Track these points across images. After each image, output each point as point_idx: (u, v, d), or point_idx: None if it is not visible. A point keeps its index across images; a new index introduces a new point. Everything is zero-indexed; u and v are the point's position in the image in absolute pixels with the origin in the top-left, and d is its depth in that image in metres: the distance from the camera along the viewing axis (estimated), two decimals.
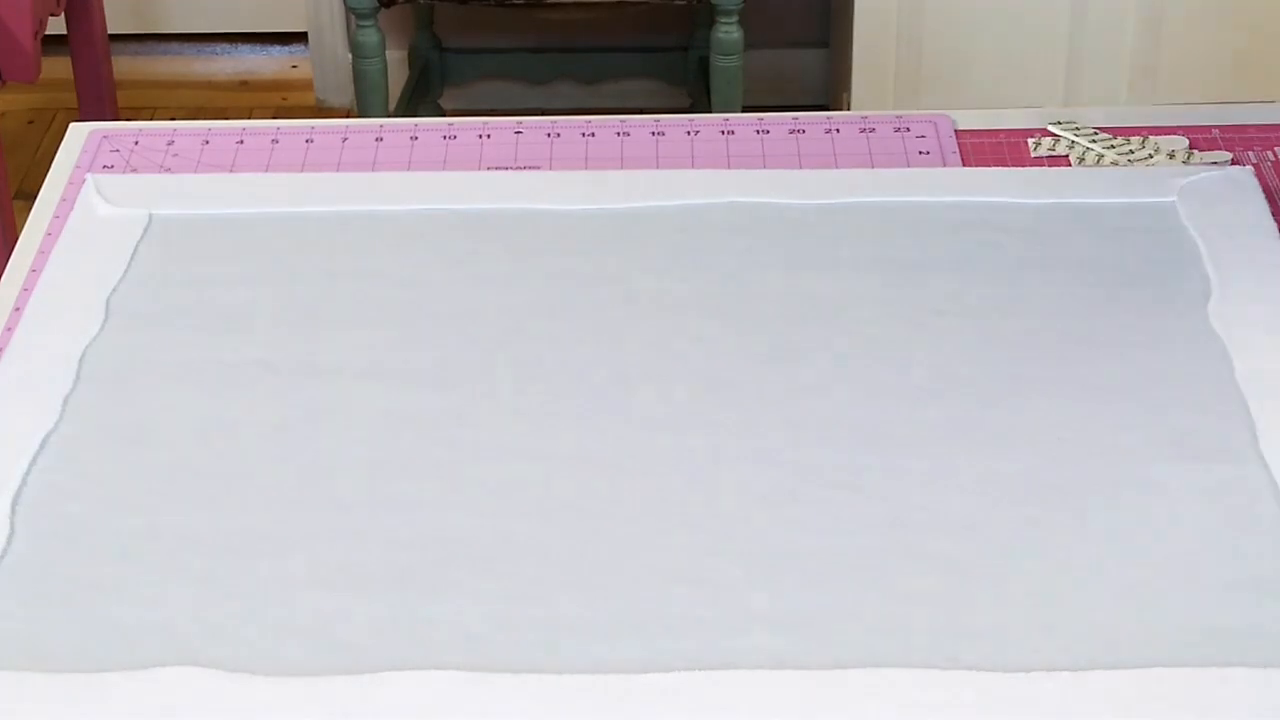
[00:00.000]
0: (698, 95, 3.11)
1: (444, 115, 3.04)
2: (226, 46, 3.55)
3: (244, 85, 3.46)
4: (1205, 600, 1.06)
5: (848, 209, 1.40)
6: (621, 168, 1.47)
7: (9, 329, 1.30)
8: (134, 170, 1.48)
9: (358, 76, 2.86)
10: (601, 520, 1.13)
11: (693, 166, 1.46)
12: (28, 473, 1.17)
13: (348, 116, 3.19)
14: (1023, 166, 1.45)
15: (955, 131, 1.48)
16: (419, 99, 3.14)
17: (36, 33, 2.64)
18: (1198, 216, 1.38)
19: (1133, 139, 1.46)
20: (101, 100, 3.01)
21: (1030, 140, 1.47)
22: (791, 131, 1.50)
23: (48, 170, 1.49)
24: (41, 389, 1.24)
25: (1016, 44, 2.84)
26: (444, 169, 1.47)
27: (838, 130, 1.50)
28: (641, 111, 3.06)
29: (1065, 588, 1.07)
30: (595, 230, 1.39)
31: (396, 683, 1.02)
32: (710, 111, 2.87)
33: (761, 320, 1.29)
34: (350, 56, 3.11)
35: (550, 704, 1.01)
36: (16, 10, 2.58)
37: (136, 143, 1.51)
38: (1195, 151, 1.44)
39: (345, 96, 3.35)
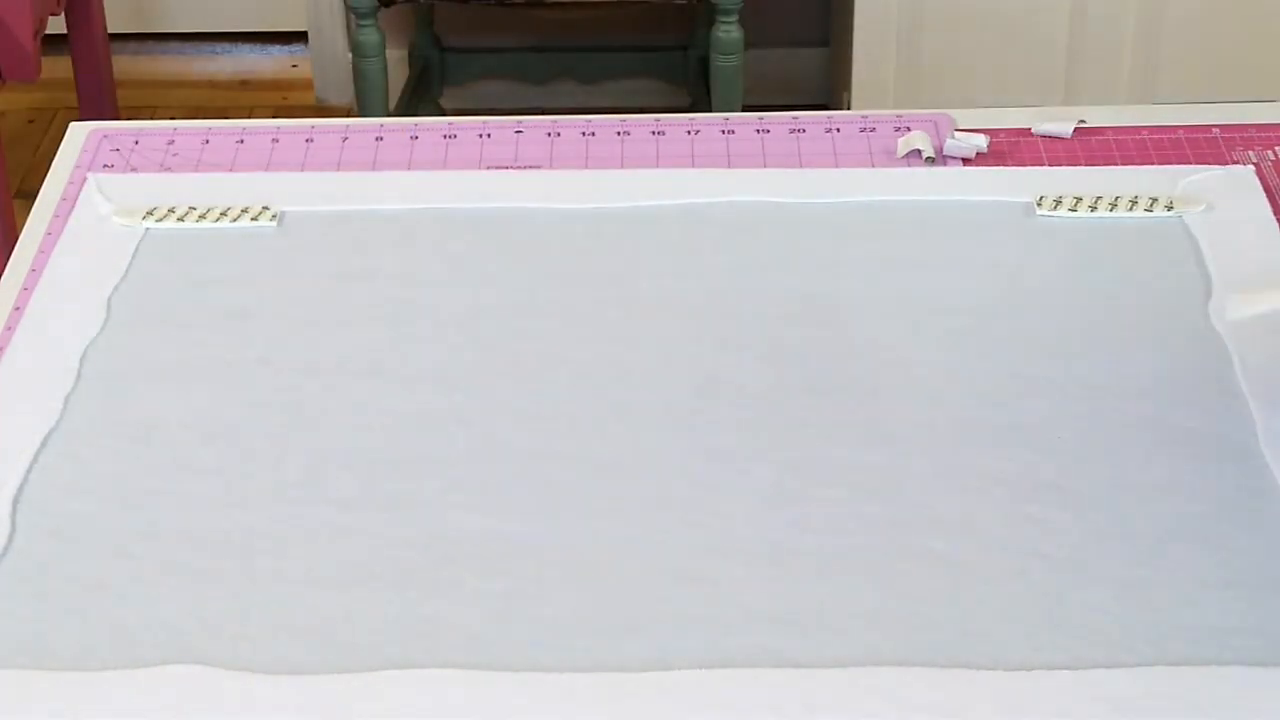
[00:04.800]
0: (698, 95, 3.11)
1: (444, 115, 3.04)
2: (227, 46, 3.55)
3: (244, 84, 3.46)
4: (1205, 600, 1.06)
5: (848, 208, 1.40)
6: (622, 167, 1.47)
7: (9, 328, 1.30)
8: (134, 170, 1.48)
9: (358, 76, 2.86)
10: (602, 520, 1.13)
11: (693, 166, 1.46)
12: (29, 471, 1.17)
13: (348, 116, 3.19)
14: (1022, 166, 1.45)
15: (955, 131, 1.48)
16: (419, 98, 3.14)
17: (37, 32, 2.64)
18: (1198, 215, 1.38)
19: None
20: (101, 99, 3.01)
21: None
22: (792, 131, 1.50)
23: (48, 170, 1.49)
24: (42, 388, 1.24)
25: (1016, 44, 2.84)
26: (444, 168, 1.47)
27: (838, 130, 1.50)
28: (642, 111, 3.06)
29: (1065, 587, 1.07)
30: (595, 230, 1.39)
31: (396, 682, 1.02)
32: (710, 111, 2.87)
33: (761, 320, 1.29)
34: (350, 56, 3.12)
35: (550, 703, 1.01)
36: (16, 10, 2.58)
37: (137, 142, 1.51)
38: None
39: (345, 96, 3.35)
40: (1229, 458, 1.16)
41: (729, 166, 1.46)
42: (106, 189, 1.44)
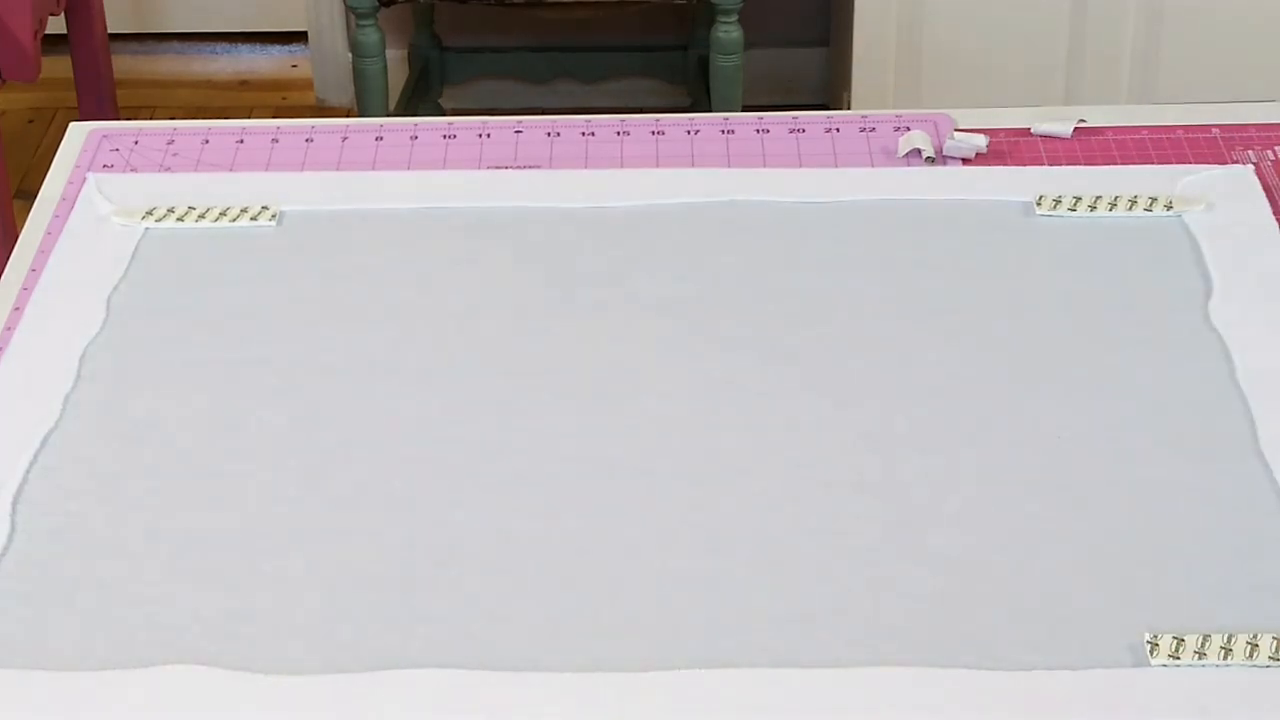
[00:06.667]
0: (698, 94, 3.11)
1: (444, 114, 3.04)
2: (226, 46, 3.55)
3: (244, 84, 3.45)
4: (1205, 600, 1.06)
5: (848, 208, 1.40)
6: (621, 167, 1.47)
7: (9, 328, 1.30)
8: (134, 170, 1.48)
9: (357, 76, 2.86)
10: (601, 520, 1.13)
11: (693, 166, 1.46)
12: (29, 471, 1.17)
13: (348, 116, 3.19)
14: (1022, 166, 1.45)
15: (955, 131, 1.48)
16: (419, 98, 3.13)
17: (36, 32, 2.64)
18: (1198, 215, 1.38)
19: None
20: (101, 99, 3.01)
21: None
22: (791, 131, 1.50)
23: (48, 169, 1.49)
24: (42, 388, 1.24)
25: (1016, 44, 2.84)
26: (444, 168, 1.47)
27: (838, 129, 1.50)
28: (641, 111, 3.06)
29: (1064, 587, 1.07)
30: (595, 229, 1.39)
31: (396, 682, 1.02)
32: (710, 111, 2.87)
33: (761, 320, 1.29)
34: (350, 56, 3.12)
35: (550, 703, 1.01)
36: (16, 9, 2.58)
37: (136, 142, 1.51)
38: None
39: (345, 96, 3.35)
40: (1229, 458, 1.16)
41: (729, 166, 1.46)
42: (106, 189, 1.44)
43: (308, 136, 1.52)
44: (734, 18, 2.79)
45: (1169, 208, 1.39)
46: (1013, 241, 1.36)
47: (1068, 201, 1.39)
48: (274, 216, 1.40)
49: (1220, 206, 1.38)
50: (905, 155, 1.46)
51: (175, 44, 3.55)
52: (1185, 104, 1.57)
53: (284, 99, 3.41)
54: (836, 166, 1.45)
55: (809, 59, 3.28)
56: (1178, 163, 1.45)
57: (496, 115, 1.55)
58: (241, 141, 1.51)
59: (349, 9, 2.84)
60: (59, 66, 3.05)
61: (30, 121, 3.32)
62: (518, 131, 1.52)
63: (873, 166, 1.45)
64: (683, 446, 1.18)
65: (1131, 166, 1.44)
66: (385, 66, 2.86)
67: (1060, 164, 1.45)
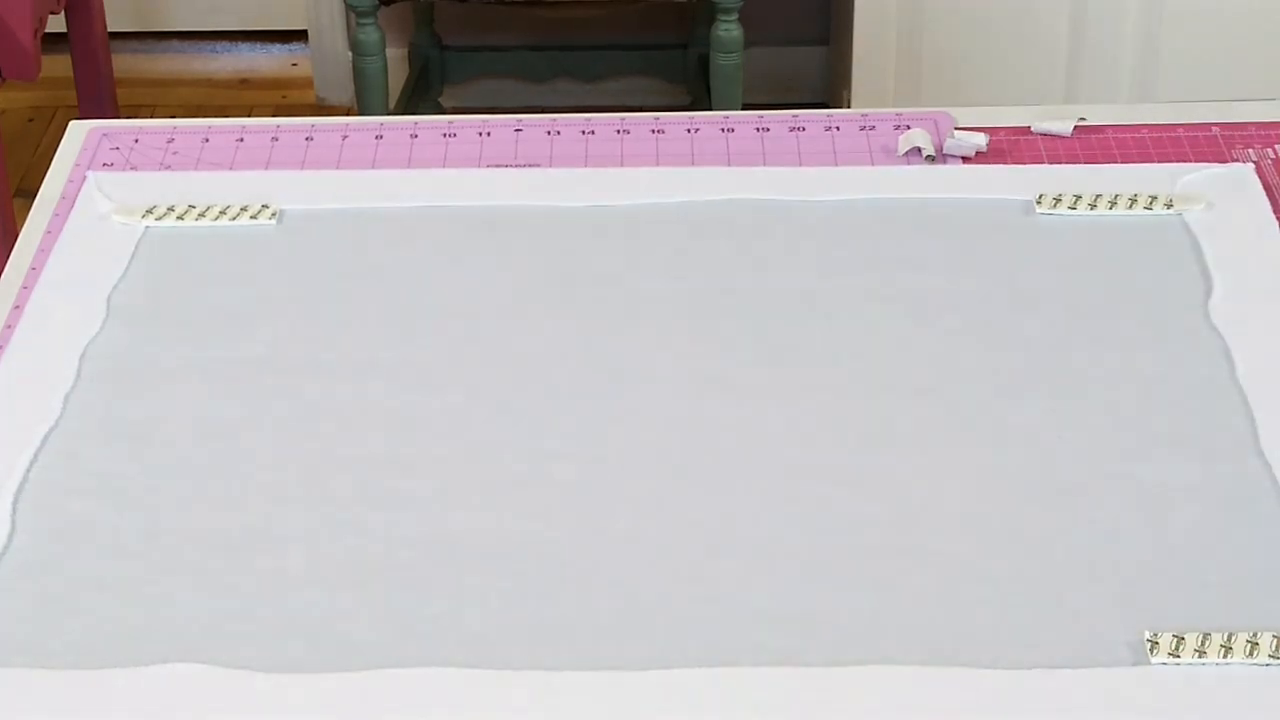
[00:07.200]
0: (698, 93, 3.11)
1: (444, 113, 3.04)
2: (226, 44, 3.55)
3: (244, 83, 3.45)
4: (1205, 600, 1.06)
5: (847, 207, 1.40)
6: (621, 166, 1.47)
7: (9, 327, 1.30)
8: (134, 168, 1.48)
9: (358, 74, 2.86)
10: (602, 520, 1.13)
11: (693, 164, 1.46)
12: (29, 470, 1.17)
13: (348, 114, 3.19)
14: (1022, 164, 1.45)
15: (955, 129, 1.48)
16: (419, 97, 3.13)
17: (36, 30, 2.64)
18: (1198, 214, 1.38)
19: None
20: (101, 98, 3.01)
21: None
22: (791, 129, 1.50)
23: (48, 168, 1.49)
24: (42, 387, 1.24)
25: (1016, 42, 2.84)
26: (444, 167, 1.47)
27: (838, 128, 1.50)
28: (641, 109, 3.05)
29: (1064, 586, 1.07)
30: (595, 228, 1.39)
31: (396, 680, 1.02)
32: (710, 109, 2.87)
33: (761, 319, 1.29)
34: (350, 54, 3.12)
35: (551, 702, 1.01)
36: (16, 8, 2.58)
37: (137, 141, 1.51)
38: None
39: (345, 94, 3.35)
40: (1229, 458, 1.16)
41: (729, 165, 1.46)
42: (106, 187, 1.44)
43: (308, 135, 1.52)
44: (734, 16, 2.79)
45: (1169, 206, 1.39)
46: (1013, 240, 1.36)
47: (1068, 200, 1.39)
48: (274, 215, 1.40)
49: (1220, 205, 1.38)
50: (905, 154, 1.46)
51: (175, 42, 3.55)
52: (1185, 103, 1.57)
53: (284, 97, 3.41)
54: (836, 165, 1.45)
55: (809, 57, 3.28)
56: (1178, 161, 1.45)
57: (496, 114, 1.55)
58: (241, 140, 1.51)
59: (349, 8, 2.83)
60: (59, 65, 3.05)
61: (30, 120, 3.32)
62: (518, 130, 1.52)
63: (873, 165, 1.45)
64: (682, 445, 1.18)
65: (1132, 165, 1.44)
66: (385, 65, 2.86)
67: (1060, 162, 1.45)
